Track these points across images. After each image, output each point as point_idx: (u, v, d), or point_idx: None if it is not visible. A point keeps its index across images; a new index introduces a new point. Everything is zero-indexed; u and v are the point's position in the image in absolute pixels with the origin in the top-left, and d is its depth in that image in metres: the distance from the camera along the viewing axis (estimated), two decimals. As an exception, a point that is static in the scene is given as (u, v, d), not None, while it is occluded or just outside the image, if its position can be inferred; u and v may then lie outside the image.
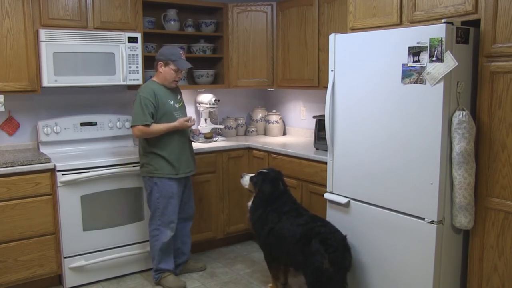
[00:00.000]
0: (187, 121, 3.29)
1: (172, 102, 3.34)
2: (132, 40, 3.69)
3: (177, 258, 3.59)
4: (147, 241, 3.58)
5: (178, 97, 3.44)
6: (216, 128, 4.51)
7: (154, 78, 3.36)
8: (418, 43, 2.51)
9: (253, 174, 3.33)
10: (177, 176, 3.34)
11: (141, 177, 3.44)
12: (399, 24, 2.88)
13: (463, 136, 2.42)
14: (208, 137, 3.70)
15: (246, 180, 3.34)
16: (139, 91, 3.27)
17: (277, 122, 4.67)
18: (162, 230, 3.36)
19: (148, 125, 3.20)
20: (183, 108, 3.47)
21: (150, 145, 3.29)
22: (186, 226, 3.60)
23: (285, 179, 3.35)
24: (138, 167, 3.50)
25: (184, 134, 3.40)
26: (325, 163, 3.27)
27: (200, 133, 3.53)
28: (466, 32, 2.50)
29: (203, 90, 4.51)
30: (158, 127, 3.23)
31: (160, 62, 3.29)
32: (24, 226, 3.22)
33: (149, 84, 3.32)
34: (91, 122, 3.88)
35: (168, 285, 3.39)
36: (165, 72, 3.30)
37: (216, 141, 3.69)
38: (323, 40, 3.78)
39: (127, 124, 4.02)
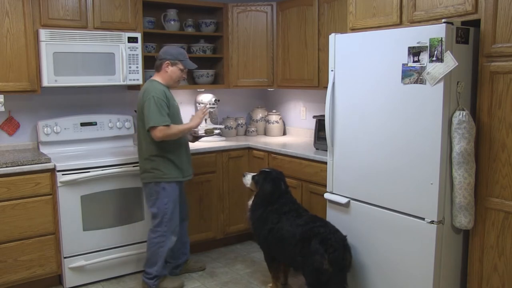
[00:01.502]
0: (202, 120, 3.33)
1: (176, 103, 3.32)
2: (132, 40, 3.69)
3: (178, 259, 3.58)
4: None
5: (175, 98, 3.41)
6: (216, 128, 4.51)
7: (157, 79, 3.26)
8: (418, 43, 2.51)
9: (255, 173, 3.34)
10: (183, 179, 3.33)
11: (144, 183, 3.32)
12: (399, 24, 2.88)
13: (463, 136, 2.42)
14: (209, 132, 3.73)
15: (248, 179, 3.34)
16: (150, 92, 3.12)
17: (277, 122, 4.67)
18: (168, 236, 3.29)
19: (167, 126, 3.11)
20: (179, 108, 3.43)
21: (159, 148, 3.19)
22: (184, 226, 3.58)
23: (285, 180, 3.35)
24: (138, 167, 3.48)
25: (186, 136, 3.39)
26: (325, 163, 3.27)
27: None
28: (466, 32, 2.50)
29: (203, 90, 4.51)
30: (178, 128, 3.17)
31: (167, 62, 3.21)
32: (24, 226, 3.22)
33: (156, 85, 3.20)
34: (91, 122, 3.88)
35: (167, 285, 3.37)
36: (172, 72, 3.23)
37: (217, 134, 3.72)
38: (323, 40, 3.78)
39: (127, 124, 4.02)
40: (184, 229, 3.59)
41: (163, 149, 3.20)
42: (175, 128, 3.15)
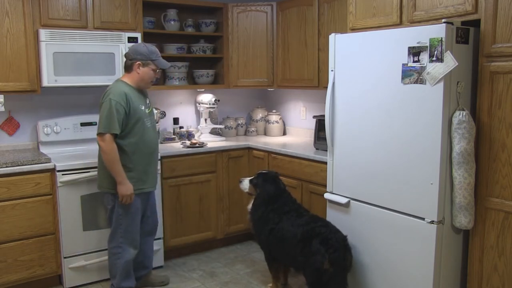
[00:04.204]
0: (127, 199, 3.01)
1: (143, 108, 3.06)
2: (132, 40, 3.68)
3: (138, 272, 3.32)
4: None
5: (147, 102, 3.16)
6: (216, 128, 4.52)
7: (125, 79, 3.05)
8: (418, 43, 2.51)
9: (251, 177, 3.33)
10: (142, 191, 3.11)
11: (102, 192, 3.15)
12: (399, 24, 2.88)
13: (463, 136, 2.42)
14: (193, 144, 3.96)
15: (245, 183, 3.32)
16: (109, 94, 2.92)
17: (277, 122, 4.67)
18: (125, 248, 3.10)
19: (115, 136, 2.90)
20: (152, 114, 3.19)
21: (121, 156, 2.97)
22: (150, 240, 3.37)
23: (285, 179, 3.35)
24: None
25: (153, 143, 3.14)
26: (325, 163, 3.27)
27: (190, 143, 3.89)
28: (466, 32, 2.50)
29: (203, 90, 4.51)
30: (117, 161, 2.91)
31: (138, 62, 2.99)
32: (24, 226, 3.21)
33: (119, 86, 2.99)
34: (91, 122, 3.87)
35: None
36: (144, 72, 3.02)
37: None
38: (323, 40, 3.78)
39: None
40: (150, 242, 3.39)
41: (124, 158, 2.99)
42: (115, 154, 2.91)
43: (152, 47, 3.09)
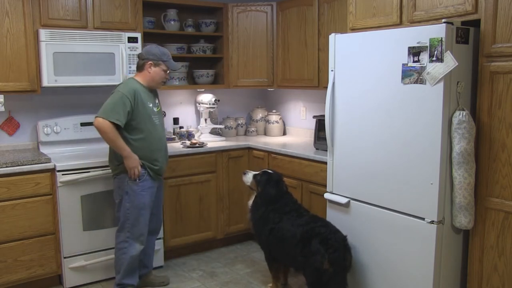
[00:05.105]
0: (135, 171, 3.05)
1: (151, 105, 3.13)
2: (132, 40, 3.68)
3: (138, 271, 3.33)
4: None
5: (156, 101, 3.23)
6: (216, 128, 4.52)
7: (137, 78, 3.14)
8: (418, 43, 2.52)
9: (256, 172, 3.33)
10: (154, 179, 3.17)
11: (111, 188, 3.25)
12: (399, 24, 2.88)
13: (463, 136, 2.42)
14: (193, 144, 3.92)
15: (249, 177, 3.32)
16: (119, 88, 3.04)
17: (277, 122, 4.67)
18: (131, 243, 3.14)
19: (115, 125, 2.93)
20: (160, 113, 3.26)
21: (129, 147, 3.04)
22: (151, 239, 3.40)
23: (285, 179, 3.35)
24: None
25: (161, 140, 3.21)
26: (325, 163, 3.27)
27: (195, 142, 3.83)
28: (466, 32, 2.50)
29: (203, 90, 4.51)
30: (119, 138, 2.96)
31: (150, 62, 3.08)
32: (24, 226, 3.21)
33: (130, 83, 3.09)
34: (91, 122, 3.85)
35: None
36: (155, 72, 3.11)
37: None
38: (323, 40, 3.78)
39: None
40: (152, 241, 3.42)
41: (134, 148, 3.05)
42: (114, 134, 2.94)
43: (164, 49, 3.17)
